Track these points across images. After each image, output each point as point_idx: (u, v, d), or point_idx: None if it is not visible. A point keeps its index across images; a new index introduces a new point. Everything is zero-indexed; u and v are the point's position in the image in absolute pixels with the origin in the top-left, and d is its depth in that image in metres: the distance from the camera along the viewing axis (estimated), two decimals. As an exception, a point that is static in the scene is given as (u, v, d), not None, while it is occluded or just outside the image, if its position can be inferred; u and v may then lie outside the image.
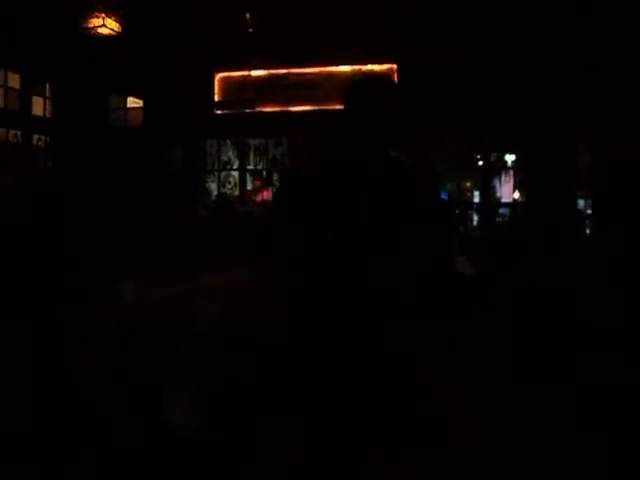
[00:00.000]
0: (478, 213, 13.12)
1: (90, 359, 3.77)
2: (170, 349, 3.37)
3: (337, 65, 12.41)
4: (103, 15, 10.17)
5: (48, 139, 12.17)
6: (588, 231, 11.93)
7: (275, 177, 14.96)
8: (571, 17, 9.82)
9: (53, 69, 11.71)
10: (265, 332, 3.39)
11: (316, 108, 12.59)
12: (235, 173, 14.75)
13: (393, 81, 7.60)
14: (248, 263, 3.50)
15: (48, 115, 12.21)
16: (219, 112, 13.21)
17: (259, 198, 12.47)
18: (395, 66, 12.13)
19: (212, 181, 14.84)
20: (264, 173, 14.39)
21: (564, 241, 10.12)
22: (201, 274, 3.36)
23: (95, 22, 10.18)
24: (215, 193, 14.42)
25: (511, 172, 13.57)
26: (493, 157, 13.32)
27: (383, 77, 8.00)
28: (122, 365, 3.65)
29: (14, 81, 11.45)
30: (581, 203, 12.08)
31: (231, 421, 3.30)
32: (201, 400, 3.26)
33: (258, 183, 12.46)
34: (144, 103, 14.08)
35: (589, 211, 11.86)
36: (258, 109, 12.97)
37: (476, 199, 13.46)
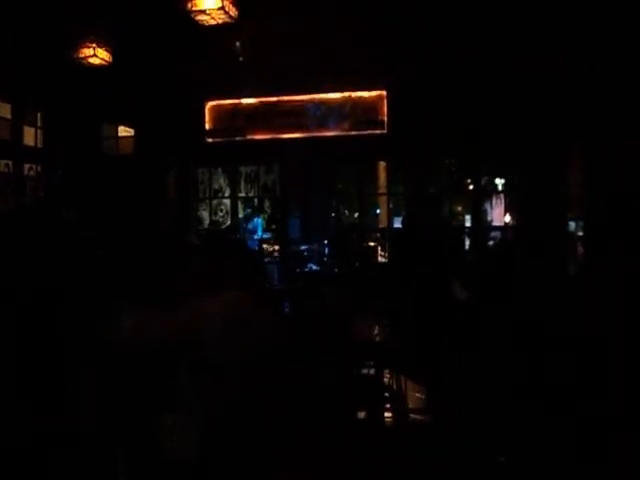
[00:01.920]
0: (470, 237, 13.15)
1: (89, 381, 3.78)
2: (167, 375, 3.37)
3: (327, 92, 12.49)
4: (94, 45, 10.20)
5: (39, 169, 12.18)
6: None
7: (266, 204, 15.01)
8: (561, 36, 9.90)
9: (44, 99, 11.75)
10: (265, 354, 3.40)
11: (307, 135, 12.65)
12: (227, 201, 14.79)
13: None
14: (244, 289, 3.51)
15: (39, 145, 12.23)
16: (210, 140, 13.25)
17: (250, 226, 12.50)
18: (384, 92, 12.22)
19: (204, 209, 14.87)
20: (255, 200, 14.42)
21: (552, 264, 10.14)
22: (196, 300, 3.36)
23: (86, 52, 10.21)
24: (207, 221, 14.44)
25: (502, 195, 13.65)
26: (484, 181, 13.39)
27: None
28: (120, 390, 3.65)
29: (5, 111, 11.49)
30: (572, 225, 12.12)
31: (229, 447, 3.28)
32: (198, 426, 3.25)
33: (248, 211, 12.50)
34: (135, 132, 14.12)
35: (580, 233, 11.88)
36: (249, 137, 13.02)
37: (467, 223, 13.51)
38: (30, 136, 12.12)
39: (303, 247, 11.50)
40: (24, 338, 3.93)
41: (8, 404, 3.72)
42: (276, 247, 13.44)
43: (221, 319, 3.29)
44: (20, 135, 11.79)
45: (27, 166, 11.94)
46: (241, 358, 3.27)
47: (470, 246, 13.14)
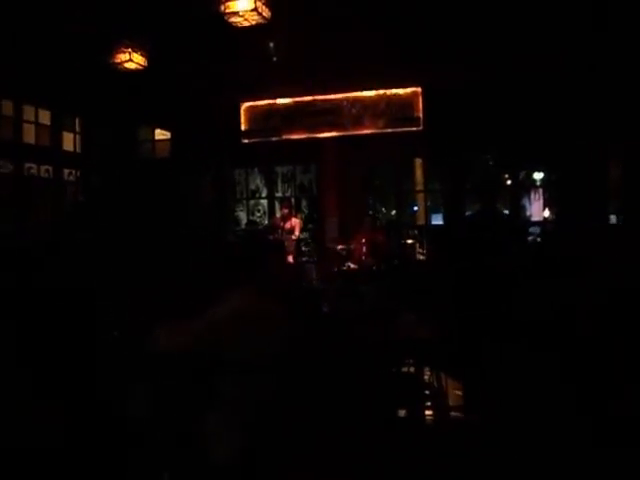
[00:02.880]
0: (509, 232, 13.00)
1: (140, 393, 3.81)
2: (207, 377, 3.38)
3: (362, 90, 12.45)
4: (129, 50, 10.31)
5: (78, 173, 12.35)
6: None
7: (304, 204, 15.02)
8: (596, 32, 9.78)
9: (82, 104, 11.91)
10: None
11: (343, 134, 12.63)
12: (264, 201, 14.84)
13: None
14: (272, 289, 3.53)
15: (78, 150, 12.40)
16: (246, 141, 13.30)
17: (287, 225, 12.48)
18: (419, 89, 12.15)
19: (241, 210, 14.93)
20: (292, 200, 14.43)
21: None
22: (224, 301, 3.38)
23: (122, 57, 10.32)
24: (244, 222, 14.49)
25: (540, 190, 13.50)
26: (522, 176, 13.25)
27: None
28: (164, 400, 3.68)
29: (45, 117, 11.68)
30: (613, 219, 11.94)
31: (269, 445, 3.30)
32: (240, 426, 3.26)
33: (285, 211, 12.46)
34: (171, 135, 14.23)
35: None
36: (285, 137, 13.03)
37: (506, 219, 13.37)
38: (69, 141, 12.31)
39: (340, 246, 11.47)
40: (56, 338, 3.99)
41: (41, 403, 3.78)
42: (313, 245, 13.44)
43: (247, 319, 3.30)
44: (59, 141, 11.98)
45: (67, 171, 12.12)
46: (266, 356, 3.28)
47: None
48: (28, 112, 11.40)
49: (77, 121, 12.47)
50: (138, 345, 3.70)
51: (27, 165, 11.36)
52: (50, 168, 11.75)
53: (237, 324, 3.28)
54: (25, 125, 11.34)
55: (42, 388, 3.84)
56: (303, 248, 13.00)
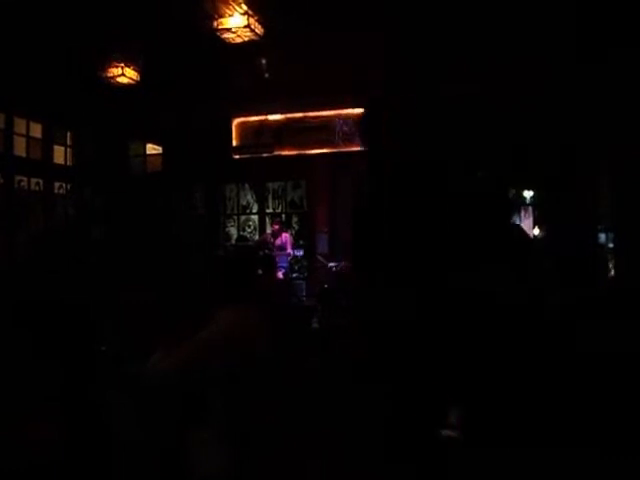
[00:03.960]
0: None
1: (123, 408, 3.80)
2: (196, 392, 3.38)
3: (353, 108, 12.50)
4: (122, 65, 10.36)
5: (69, 187, 12.33)
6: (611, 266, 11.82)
7: (294, 220, 15.02)
8: (583, 52, 9.86)
9: (74, 118, 11.91)
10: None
11: (333, 150, 12.67)
12: (254, 217, 14.83)
13: None
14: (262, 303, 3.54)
15: (69, 163, 12.38)
16: (237, 157, 13.32)
17: (278, 242, 12.48)
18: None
19: (232, 225, 14.92)
20: (283, 216, 14.44)
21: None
22: (216, 315, 3.38)
23: (114, 72, 10.38)
24: (235, 237, 14.48)
25: (530, 208, 13.54)
26: (512, 194, 13.29)
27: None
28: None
29: (36, 131, 11.66)
30: (602, 237, 11.98)
31: (256, 463, 3.29)
32: (227, 442, 3.25)
33: (276, 227, 12.50)
34: (163, 149, 14.24)
35: (611, 245, 11.75)
36: (276, 153, 13.07)
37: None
38: (60, 155, 12.28)
39: (331, 263, 11.48)
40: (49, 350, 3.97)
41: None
42: (304, 262, 13.45)
43: (239, 336, 3.30)
44: (50, 154, 11.95)
45: (57, 184, 12.09)
46: (257, 372, 3.29)
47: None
48: (19, 125, 11.38)
49: (68, 134, 12.46)
50: (126, 361, 3.70)
51: (17, 178, 11.32)
52: (40, 181, 11.72)
53: (229, 342, 3.28)
54: (16, 138, 11.31)
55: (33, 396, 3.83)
56: (293, 264, 13.02)
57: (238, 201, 14.80)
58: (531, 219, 13.44)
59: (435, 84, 11.18)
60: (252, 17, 8.63)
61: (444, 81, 11.13)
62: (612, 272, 11.66)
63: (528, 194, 13.62)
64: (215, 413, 3.29)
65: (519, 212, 13.90)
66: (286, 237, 12.60)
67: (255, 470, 3.23)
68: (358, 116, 12.58)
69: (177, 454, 3.41)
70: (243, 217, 14.97)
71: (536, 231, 13.31)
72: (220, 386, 3.28)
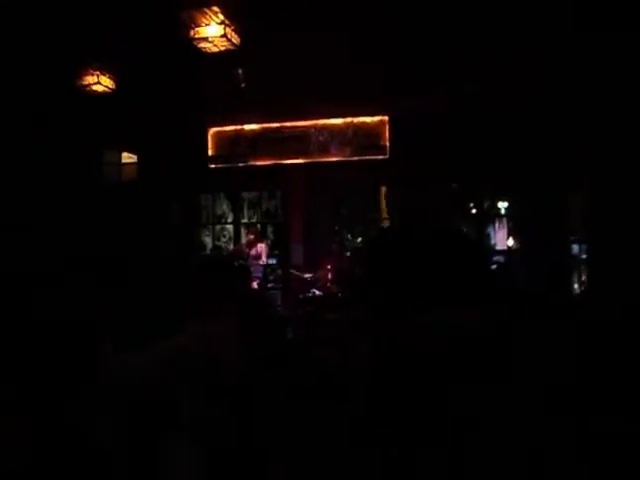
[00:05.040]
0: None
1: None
2: (170, 405, 3.35)
3: (329, 118, 12.53)
4: (98, 73, 10.30)
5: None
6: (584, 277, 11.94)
7: (270, 230, 15.02)
8: (564, 63, 9.95)
9: (47, 125, 11.78)
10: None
11: (309, 161, 12.68)
12: (230, 227, 14.80)
13: None
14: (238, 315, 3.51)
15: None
16: (213, 166, 13.29)
17: (253, 252, 12.45)
18: (387, 117, 12.26)
19: (207, 235, 14.88)
20: (259, 226, 14.42)
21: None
22: (194, 325, 3.36)
23: (90, 79, 10.30)
24: (210, 247, 14.45)
25: (505, 219, 13.65)
26: (486, 205, 13.38)
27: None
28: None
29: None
30: (575, 249, 12.10)
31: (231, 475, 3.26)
32: (202, 457, 3.22)
33: (252, 237, 12.49)
34: (138, 158, 14.17)
35: (584, 256, 11.87)
36: (251, 162, 13.05)
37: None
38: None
39: (307, 274, 11.46)
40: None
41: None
42: (279, 272, 13.43)
43: (211, 346, 3.27)
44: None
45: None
46: (230, 381, 3.26)
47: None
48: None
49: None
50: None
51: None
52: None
53: (201, 351, 3.26)
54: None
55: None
56: (268, 274, 13.00)
57: (213, 210, 14.77)
58: (505, 230, 13.54)
59: (417, 101, 11.28)
60: (229, 27, 8.62)
61: (426, 98, 11.22)
62: (585, 283, 11.79)
63: (502, 205, 13.73)
64: (190, 428, 3.26)
65: (493, 223, 14.00)
66: (261, 247, 12.59)
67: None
68: (334, 126, 12.62)
69: (151, 468, 3.38)
70: (218, 227, 14.95)
71: (510, 242, 13.40)
72: (192, 397, 3.25)
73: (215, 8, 8.40)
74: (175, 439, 3.29)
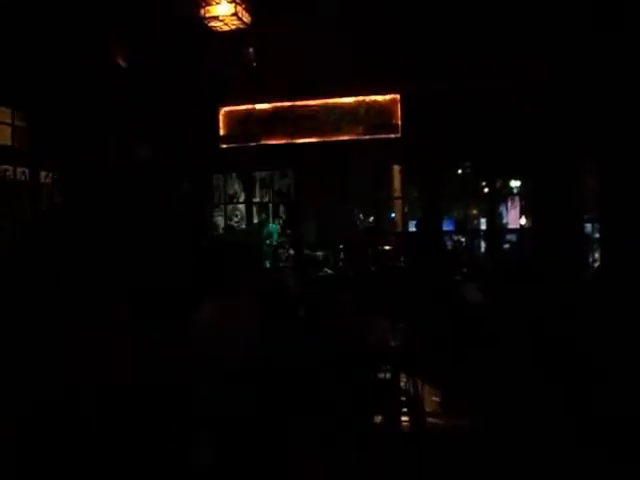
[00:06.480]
0: (485, 240, 13.10)
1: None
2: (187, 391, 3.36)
3: (341, 96, 12.48)
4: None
5: (56, 176, 12.24)
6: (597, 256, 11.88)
7: (282, 209, 15.02)
8: (576, 47, 9.88)
9: (60, 105, 11.80)
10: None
11: (321, 140, 12.65)
12: (242, 206, 14.81)
13: None
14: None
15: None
16: (225, 146, 13.28)
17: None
18: (398, 96, 12.20)
19: (219, 215, 14.89)
20: (270, 206, 14.43)
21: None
22: (203, 308, 3.36)
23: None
24: (222, 226, 14.47)
25: (517, 198, 13.60)
26: (499, 184, 13.33)
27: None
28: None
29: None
30: (588, 227, 12.04)
31: (245, 459, 3.28)
32: (215, 440, 3.25)
33: (264, 216, 12.51)
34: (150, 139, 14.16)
35: (597, 235, 11.81)
36: (263, 142, 13.03)
37: (483, 226, 13.45)
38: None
39: (318, 252, 11.48)
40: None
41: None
42: (291, 252, 13.45)
43: (227, 322, 3.28)
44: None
45: (44, 174, 12.00)
46: (244, 360, 3.27)
47: (486, 249, 13.09)
48: (3, 114, 11.28)
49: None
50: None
51: (2, 167, 11.23)
52: (26, 170, 11.63)
53: (220, 327, 3.27)
54: (1, 127, 11.21)
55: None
56: (280, 253, 13.02)
57: (225, 190, 14.77)
58: (518, 208, 13.50)
59: (428, 80, 11.22)
60: (239, 5, 8.59)
61: (438, 76, 11.16)
62: (598, 262, 11.74)
63: (515, 184, 13.68)
64: (204, 412, 3.28)
65: (506, 202, 13.97)
66: (273, 227, 12.62)
67: (242, 462, 3.23)
68: (346, 105, 12.57)
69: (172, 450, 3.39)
70: (230, 206, 14.95)
71: (523, 220, 13.36)
72: (204, 377, 3.27)
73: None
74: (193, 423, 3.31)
